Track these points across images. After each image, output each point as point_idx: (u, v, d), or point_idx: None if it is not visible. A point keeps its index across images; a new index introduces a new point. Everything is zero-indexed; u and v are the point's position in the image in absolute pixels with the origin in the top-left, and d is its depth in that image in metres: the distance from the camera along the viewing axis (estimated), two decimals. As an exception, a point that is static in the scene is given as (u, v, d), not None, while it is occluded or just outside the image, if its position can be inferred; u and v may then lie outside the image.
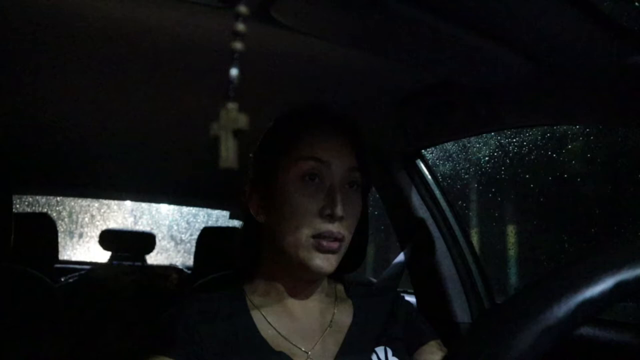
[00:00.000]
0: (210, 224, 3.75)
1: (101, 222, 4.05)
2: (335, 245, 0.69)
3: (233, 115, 0.27)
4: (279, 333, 0.72)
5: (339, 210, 0.68)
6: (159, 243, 3.05)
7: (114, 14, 0.74)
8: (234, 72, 0.26)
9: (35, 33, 0.82)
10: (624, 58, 0.68)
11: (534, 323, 0.27)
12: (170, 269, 2.02)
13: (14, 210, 1.26)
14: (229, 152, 0.27)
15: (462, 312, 1.29)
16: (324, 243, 0.68)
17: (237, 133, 0.27)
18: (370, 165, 0.78)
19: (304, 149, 0.71)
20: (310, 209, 0.68)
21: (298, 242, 0.68)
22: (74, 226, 3.97)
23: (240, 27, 0.26)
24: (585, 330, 1.01)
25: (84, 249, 3.89)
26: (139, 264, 2.57)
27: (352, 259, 0.77)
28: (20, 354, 1.15)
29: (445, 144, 1.60)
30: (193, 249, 2.02)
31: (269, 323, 0.72)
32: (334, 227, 0.68)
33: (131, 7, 0.72)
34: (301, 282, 0.75)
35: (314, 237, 0.68)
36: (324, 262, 0.69)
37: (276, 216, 0.71)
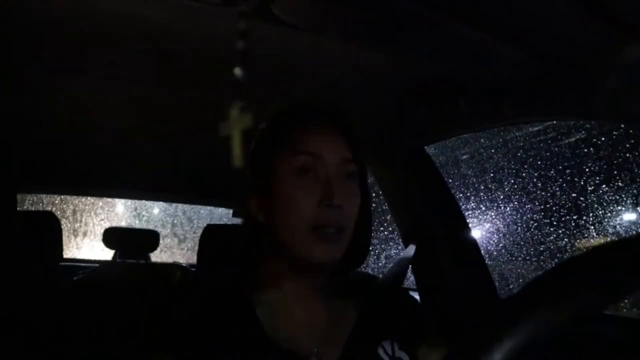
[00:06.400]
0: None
1: (105, 220, 4.07)
2: (334, 230, 0.69)
3: (242, 114, 0.27)
4: (285, 330, 0.72)
5: (336, 199, 0.68)
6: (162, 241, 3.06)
7: (115, 13, 0.74)
8: (239, 71, 0.26)
9: (38, 32, 0.82)
10: (629, 54, 0.67)
11: (542, 314, 0.28)
12: (174, 267, 2.02)
13: (18, 208, 1.26)
14: (241, 151, 0.27)
15: (465, 309, 1.29)
16: (323, 233, 0.68)
17: (246, 132, 0.27)
18: (366, 157, 0.77)
19: (295, 144, 0.71)
20: (308, 202, 0.69)
21: (297, 236, 0.68)
22: (78, 224, 3.98)
23: (243, 26, 0.26)
24: (587, 326, 1.00)
25: (87, 246, 3.91)
26: (142, 261, 2.57)
27: (355, 254, 0.76)
28: (24, 353, 1.16)
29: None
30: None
31: (274, 321, 0.72)
32: (332, 217, 0.68)
33: (132, 7, 0.72)
34: (305, 278, 0.75)
35: (313, 229, 0.68)
36: (325, 253, 0.69)
37: (275, 214, 0.71)
